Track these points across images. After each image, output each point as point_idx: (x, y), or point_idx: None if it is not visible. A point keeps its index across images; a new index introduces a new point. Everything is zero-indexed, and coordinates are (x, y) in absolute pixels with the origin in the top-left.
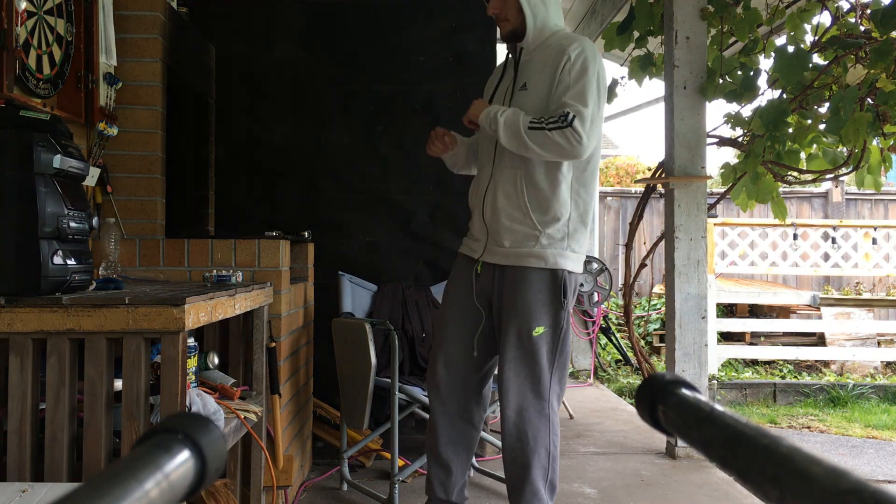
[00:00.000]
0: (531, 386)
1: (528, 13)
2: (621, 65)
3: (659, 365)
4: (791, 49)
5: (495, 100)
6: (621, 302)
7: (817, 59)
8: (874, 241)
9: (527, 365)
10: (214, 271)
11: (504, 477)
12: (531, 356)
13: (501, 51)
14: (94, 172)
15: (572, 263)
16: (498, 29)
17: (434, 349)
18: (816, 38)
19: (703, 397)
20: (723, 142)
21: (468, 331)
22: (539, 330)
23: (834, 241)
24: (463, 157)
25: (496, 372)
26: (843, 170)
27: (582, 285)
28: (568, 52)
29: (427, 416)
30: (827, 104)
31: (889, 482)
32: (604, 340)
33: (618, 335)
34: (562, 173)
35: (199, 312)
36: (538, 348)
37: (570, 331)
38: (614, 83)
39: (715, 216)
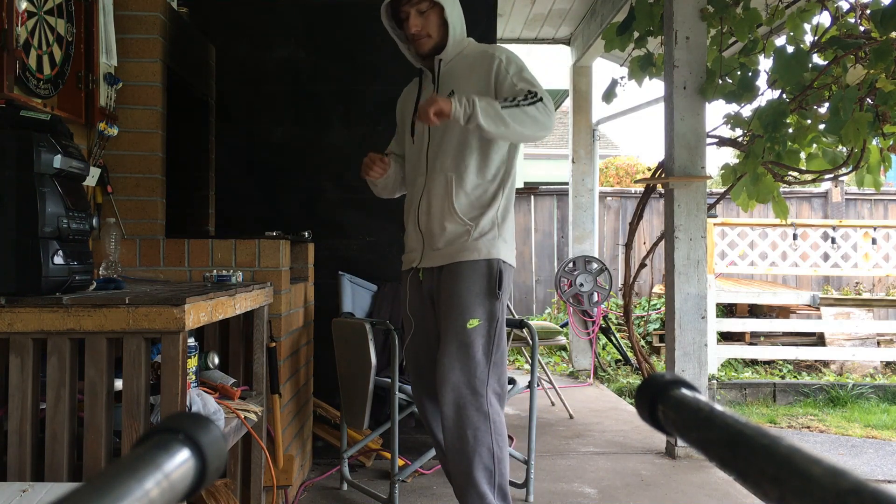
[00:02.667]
0: (466, 381)
1: (451, 26)
2: (621, 65)
3: (659, 365)
4: (790, 49)
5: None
6: (621, 302)
7: (817, 59)
8: (874, 242)
9: (461, 359)
10: (215, 271)
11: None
12: (466, 349)
13: None
14: (95, 172)
15: (505, 253)
16: (417, 47)
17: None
18: (816, 38)
19: (703, 397)
20: (723, 142)
21: (425, 340)
22: (473, 322)
23: (833, 241)
24: (393, 179)
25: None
26: (843, 170)
27: (582, 285)
28: (497, 57)
29: None
30: (827, 104)
31: (889, 482)
32: (604, 340)
33: (618, 335)
34: (494, 168)
35: (200, 312)
36: (472, 341)
37: (504, 323)
38: (614, 83)
39: (715, 216)
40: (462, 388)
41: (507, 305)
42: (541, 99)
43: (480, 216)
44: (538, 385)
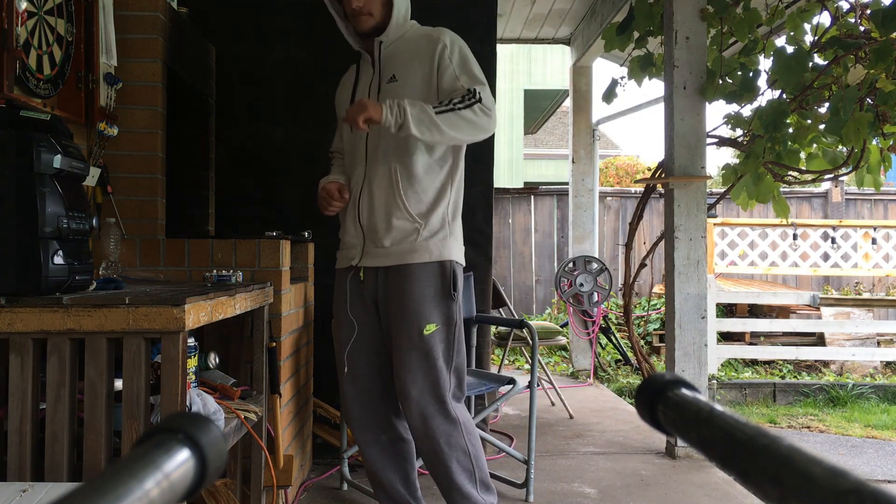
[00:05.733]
0: (430, 390)
1: (396, 6)
2: (621, 65)
3: (659, 365)
4: (790, 50)
5: (359, 97)
6: (621, 302)
7: (817, 59)
8: (874, 242)
9: (422, 367)
10: (215, 271)
11: (507, 478)
12: (425, 357)
13: (501, 51)
14: (95, 172)
15: (457, 253)
16: (355, 24)
17: (339, 375)
18: (816, 38)
19: (703, 397)
20: (723, 142)
21: (364, 345)
22: (431, 328)
23: (833, 241)
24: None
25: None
26: (843, 170)
27: (582, 285)
28: (441, 41)
29: None
30: (827, 104)
31: (889, 482)
32: (604, 340)
33: (618, 335)
34: (440, 160)
35: (199, 312)
36: (431, 347)
37: (462, 326)
38: (614, 83)
39: (715, 216)
40: (427, 398)
41: (509, 306)
42: (479, 99)
43: (430, 212)
44: (538, 385)
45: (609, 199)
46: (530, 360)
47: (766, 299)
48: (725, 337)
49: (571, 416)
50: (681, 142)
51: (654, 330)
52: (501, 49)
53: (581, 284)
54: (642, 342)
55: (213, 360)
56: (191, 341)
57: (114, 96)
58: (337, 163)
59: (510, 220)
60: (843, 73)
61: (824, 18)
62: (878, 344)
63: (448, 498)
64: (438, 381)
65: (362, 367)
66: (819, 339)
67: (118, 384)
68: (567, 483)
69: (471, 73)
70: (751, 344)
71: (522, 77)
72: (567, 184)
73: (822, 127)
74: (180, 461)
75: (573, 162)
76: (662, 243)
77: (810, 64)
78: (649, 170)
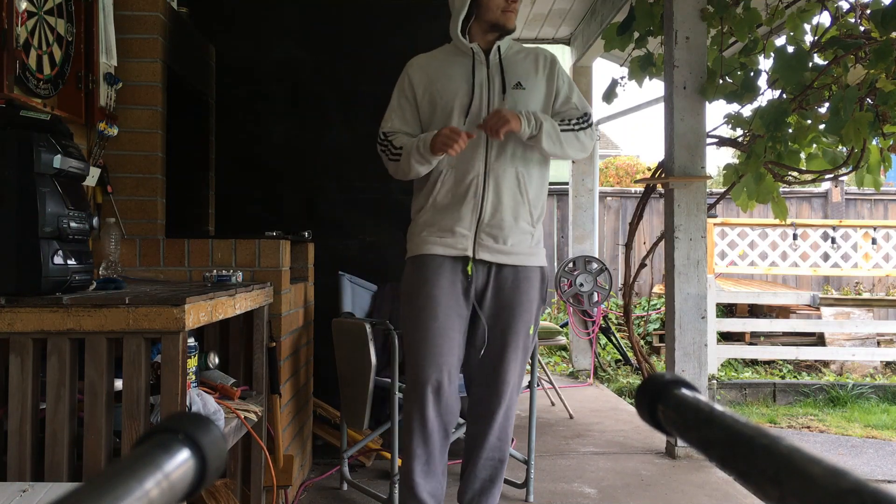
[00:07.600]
0: (519, 384)
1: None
2: (621, 65)
3: (659, 365)
4: (791, 49)
5: (478, 96)
6: (621, 302)
7: (817, 59)
8: (874, 242)
9: (522, 364)
10: (215, 271)
11: (507, 478)
12: (526, 354)
13: None
14: (95, 172)
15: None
16: (506, 19)
17: (427, 361)
18: (816, 38)
19: (703, 397)
20: (723, 142)
21: (462, 336)
22: (532, 329)
23: (833, 241)
24: None
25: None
26: (843, 170)
27: (582, 285)
28: (556, 62)
29: None
30: (827, 104)
31: (889, 482)
32: (604, 340)
33: (618, 335)
34: (547, 172)
35: (199, 312)
36: (530, 346)
37: None
38: (614, 83)
39: (714, 216)
40: (516, 392)
41: None
42: (591, 124)
43: (538, 220)
44: (538, 385)
45: (609, 199)
46: (530, 360)
47: (766, 299)
48: (725, 337)
49: (571, 416)
50: (681, 142)
51: (654, 330)
52: None
53: (581, 284)
54: (642, 342)
55: (213, 360)
56: (191, 341)
57: (114, 96)
58: (405, 136)
59: None
60: (843, 73)
61: (824, 18)
62: (878, 344)
63: (491, 487)
64: (523, 376)
65: (457, 360)
66: (819, 339)
67: (118, 384)
68: (567, 483)
69: (580, 97)
70: (751, 344)
71: None
72: (567, 184)
73: (822, 127)
74: (180, 461)
75: (573, 162)
76: (662, 243)
77: (810, 64)
78: (649, 170)
